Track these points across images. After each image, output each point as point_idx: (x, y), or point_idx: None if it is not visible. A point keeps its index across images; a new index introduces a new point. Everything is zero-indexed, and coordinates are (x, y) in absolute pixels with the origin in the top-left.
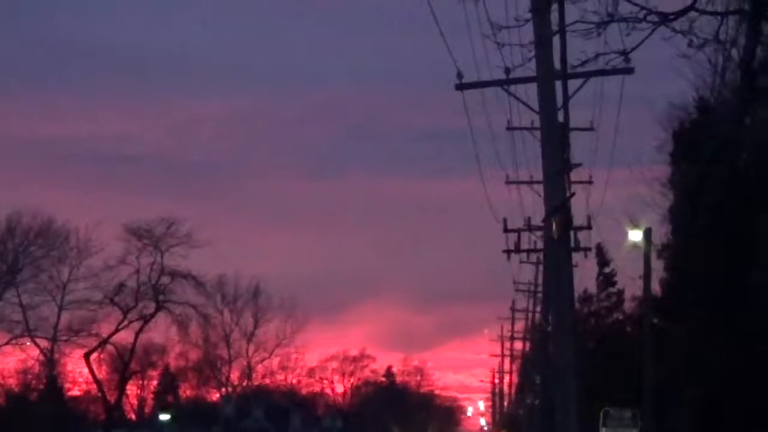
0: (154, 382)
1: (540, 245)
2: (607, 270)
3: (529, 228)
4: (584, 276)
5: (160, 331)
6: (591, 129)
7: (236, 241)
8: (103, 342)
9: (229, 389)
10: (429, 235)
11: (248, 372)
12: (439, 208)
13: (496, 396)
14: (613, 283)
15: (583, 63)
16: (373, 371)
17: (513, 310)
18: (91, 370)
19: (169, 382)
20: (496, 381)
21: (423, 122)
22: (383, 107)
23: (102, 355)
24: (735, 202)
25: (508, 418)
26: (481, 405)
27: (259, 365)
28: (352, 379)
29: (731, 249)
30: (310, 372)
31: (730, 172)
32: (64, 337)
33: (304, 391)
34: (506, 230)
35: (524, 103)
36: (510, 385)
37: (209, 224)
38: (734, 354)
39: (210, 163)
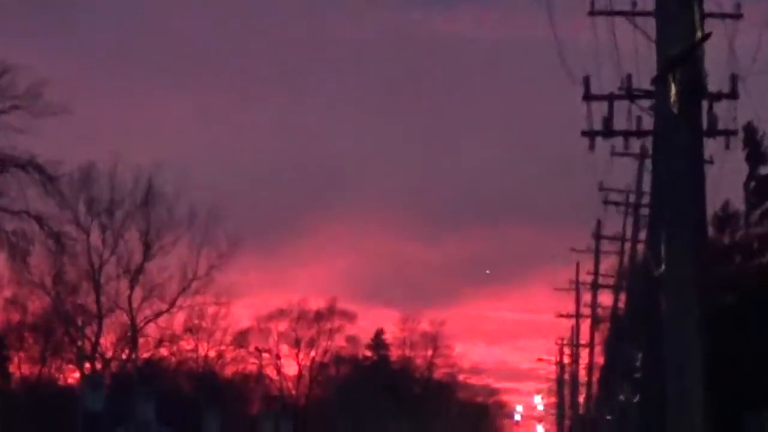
0: None
1: (647, 124)
2: (763, 171)
3: (629, 94)
4: (725, 180)
5: None
6: None
7: (116, 109)
8: None
9: (97, 365)
10: (453, 107)
11: (131, 335)
12: (476, 59)
13: (563, 387)
14: None
15: None
16: (349, 339)
17: (598, 237)
18: None
19: None
20: (565, 360)
21: None
22: None
23: None
24: None
25: (583, 426)
26: (538, 401)
27: (151, 324)
28: (312, 353)
29: None
30: (240, 338)
31: None
32: None
33: (228, 371)
34: (588, 97)
35: None
36: (590, 369)
37: (69, 79)
38: None
39: None
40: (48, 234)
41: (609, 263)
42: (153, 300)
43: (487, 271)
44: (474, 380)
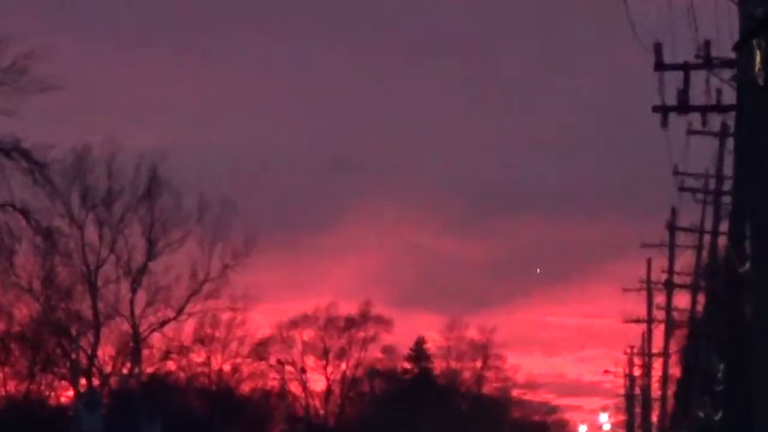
0: None
1: (728, 98)
2: None
3: (707, 62)
4: None
5: None
6: None
7: (114, 86)
8: None
9: (94, 381)
10: (494, 80)
11: (134, 347)
12: (529, 23)
13: (633, 403)
14: None
15: None
16: (386, 349)
17: (672, 229)
18: None
19: None
20: (636, 373)
21: None
22: None
23: None
24: None
25: None
26: (605, 420)
27: (156, 333)
28: (343, 366)
29: None
30: (258, 349)
31: None
32: None
33: (245, 387)
34: (661, 66)
35: None
36: (664, 382)
37: (60, 52)
38: None
39: None
40: (36, 230)
41: (685, 259)
42: (158, 306)
43: (538, 270)
44: (530, 396)
